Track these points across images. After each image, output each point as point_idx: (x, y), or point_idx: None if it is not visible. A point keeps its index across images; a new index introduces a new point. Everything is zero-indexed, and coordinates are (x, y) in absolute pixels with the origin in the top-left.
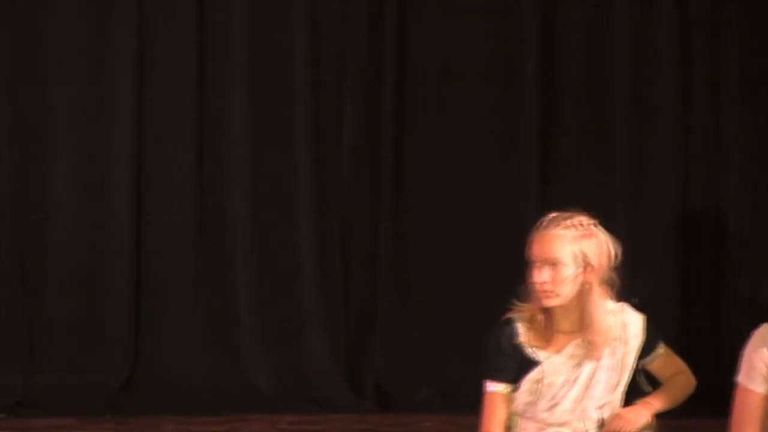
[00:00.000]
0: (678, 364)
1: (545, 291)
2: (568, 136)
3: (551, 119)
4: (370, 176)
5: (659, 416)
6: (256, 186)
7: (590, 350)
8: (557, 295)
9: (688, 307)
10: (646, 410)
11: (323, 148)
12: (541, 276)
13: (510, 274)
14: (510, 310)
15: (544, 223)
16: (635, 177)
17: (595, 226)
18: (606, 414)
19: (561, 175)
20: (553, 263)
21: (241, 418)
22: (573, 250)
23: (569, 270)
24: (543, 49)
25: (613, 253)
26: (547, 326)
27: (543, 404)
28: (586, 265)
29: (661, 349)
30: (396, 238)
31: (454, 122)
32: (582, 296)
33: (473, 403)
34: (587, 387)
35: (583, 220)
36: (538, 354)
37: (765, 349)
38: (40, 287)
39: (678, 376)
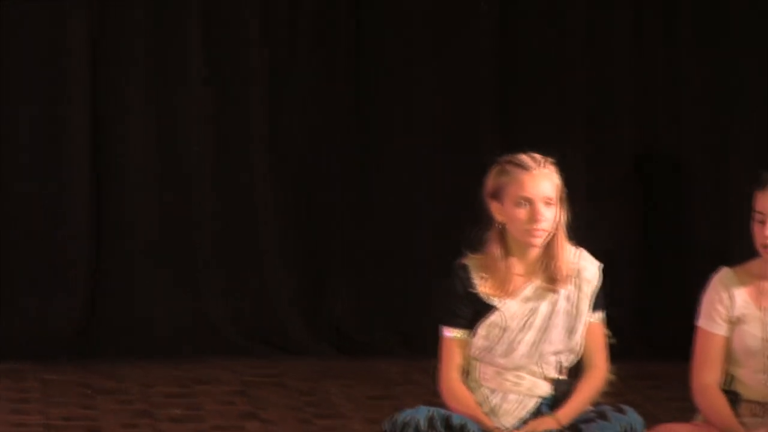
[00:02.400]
0: (602, 345)
1: (543, 230)
2: (527, 78)
3: (509, 59)
4: (327, 116)
5: (622, 362)
6: (213, 127)
7: (550, 286)
8: (546, 233)
9: (648, 251)
10: (554, 423)
11: (280, 88)
12: (542, 215)
13: (471, 219)
14: (464, 255)
15: (531, 162)
16: (594, 121)
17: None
18: (564, 360)
19: (520, 117)
20: (548, 201)
21: (200, 362)
22: (558, 185)
23: (555, 208)
24: None
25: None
26: (503, 270)
27: (500, 349)
28: (561, 200)
29: (600, 315)
30: (355, 180)
31: (413, 60)
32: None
33: (435, 348)
34: (544, 331)
35: (548, 159)
36: (494, 299)
37: (724, 292)
38: None
39: (593, 371)
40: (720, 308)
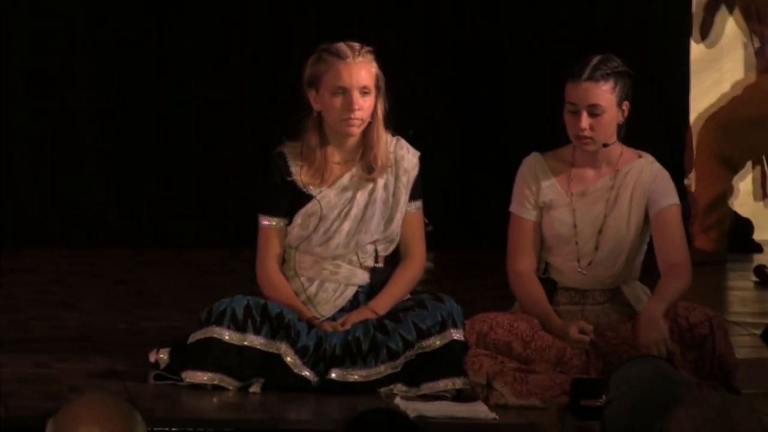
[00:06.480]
0: (420, 234)
1: (359, 119)
2: None
3: None
4: (144, 22)
5: (440, 251)
6: (33, 26)
7: (367, 175)
8: (362, 122)
9: (467, 139)
10: (370, 314)
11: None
12: (358, 104)
13: (290, 107)
14: (282, 143)
15: (347, 51)
16: (414, 8)
17: None
18: (381, 248)
19: (338, 4)
20: (365, 90)
21: (17, 252)
22: (376, 74)
23: (372, 97)
24: None
25: None
26: (320, 159)
27: (317, 238)
28: (379, 89)
29: (418, 204)
30: (172, 75)
31: None
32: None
33: (253, 237)
34: (361, 220)
35: (366, 47)
36: (310, 187)
37: (532, 177)
38: None
39: (411, 260)
40: (528, 193)
